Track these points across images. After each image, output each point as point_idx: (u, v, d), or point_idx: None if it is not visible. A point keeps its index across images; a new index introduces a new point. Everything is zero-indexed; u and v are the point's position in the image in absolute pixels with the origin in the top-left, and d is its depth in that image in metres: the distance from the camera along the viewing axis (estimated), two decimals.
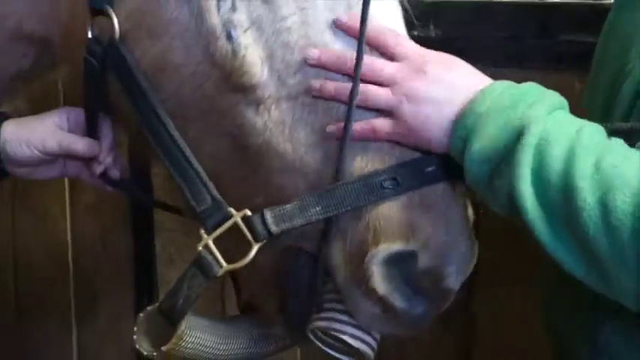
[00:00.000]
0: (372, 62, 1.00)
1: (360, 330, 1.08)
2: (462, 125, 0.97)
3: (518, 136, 0.93)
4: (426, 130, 1.00)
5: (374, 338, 1.10)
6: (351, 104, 0.98)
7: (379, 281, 1.00)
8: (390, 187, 0.99)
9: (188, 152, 1.05)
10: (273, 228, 0.99)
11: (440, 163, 1.01)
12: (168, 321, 1.07)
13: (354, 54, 0.99)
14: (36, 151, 1.14)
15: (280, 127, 1.02)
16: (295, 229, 0.99)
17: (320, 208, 0.98)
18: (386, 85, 1.01)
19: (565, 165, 0.91)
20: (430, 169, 1.01)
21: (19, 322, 2.13)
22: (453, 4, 1.62)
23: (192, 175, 1.05)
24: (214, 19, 1.00)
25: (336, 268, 1.04)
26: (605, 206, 0.88)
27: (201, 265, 1.04)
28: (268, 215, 0.99)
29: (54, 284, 2.01)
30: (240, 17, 1.00)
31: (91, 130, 1.13)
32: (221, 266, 1.02)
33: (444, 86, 0.99)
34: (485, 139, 0.95)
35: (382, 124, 1.01)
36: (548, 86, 1.54)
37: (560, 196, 0.91)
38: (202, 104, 1.04)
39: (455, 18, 1.55)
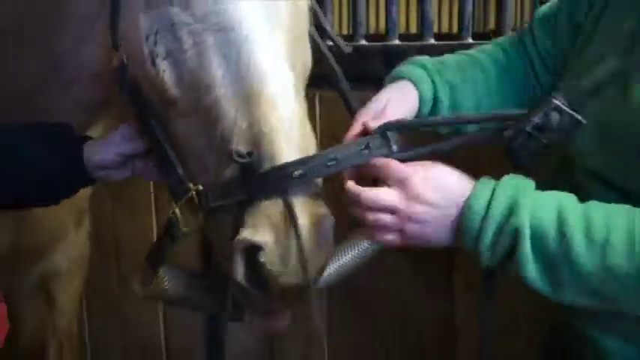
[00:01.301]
0: (375, 194, 1.10)
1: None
2: (465, 236, 1.06)
3: (514, 239, 1.04)
4: (430, 242, 1.10)
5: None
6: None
7: (237, 266, 1.09)
8: (298, 176, 1.07)
9: (165, 142, 1.18)
10: (211, 204, 1.11)
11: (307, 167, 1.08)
12: (152, 269, 1.23)
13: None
14: (112, 155, 1.27)
15: (190, 136, 1.15)
16: (228, 204, 1.10)
17: (239, 192, 1.08)
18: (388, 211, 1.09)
19: (563, 252, 1.02)
20: (331, 163, 1.10)
21: (119, 303, 2.37)
22: (437, 47, 1.96)
23: (167, 158, 1.18)
24: (145, 49, 1.14)
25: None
26: (608, 269, 1.00)
27: (169, 228, 1.18)
28: (210, 192, 1.12)
29: None
30: (160, 49, 1.13)
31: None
32: (181, 229, 1.16)
33: (438, 205, 1.07)
34: (488, 247, 1.05)
35: (391, 238, 1.11)
36: None
37: (567, 273, 1.02)
38: (161, 114, 1.18)
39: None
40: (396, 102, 1.29)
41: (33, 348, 1.92)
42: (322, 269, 1.15)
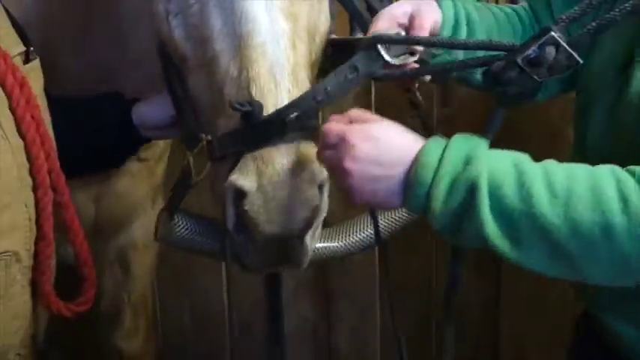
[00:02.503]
0: (327, 126, 1.04)
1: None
2: (415, 191, 0.97)
3: (470, 190, 0.94)
4: (374, 193, 1.00)
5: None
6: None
7: (228, 211, 1.11)
8: (295, 119, 1.07)
9: (181, 97, 1.21)
10: (216, 153, 1.12)
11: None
12: (169, 216, 1.25)
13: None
14: (168, 116, 1.31)
15: (199, 90, 1.18)
16: (230, 153, 1.11)
17: (239, 143, 1.10)
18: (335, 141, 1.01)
19: (522, 201, 0.93)
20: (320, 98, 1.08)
21: (185, 272, 2.40)
22: None
23: (182, 111, 1.23)
24: (160, 7, 1.18)
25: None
26: (572, 221, 0.92)
27: (183, 176, 1.20)
28: (215, 142, 1.13)
29: None
30: (173, 6, 1.16)
31: None
32: (192, 177, 1.17)
33: (379, 161, 0.98)
34: (441, 200, 0.96)
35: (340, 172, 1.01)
36: None
37: (529, 227, 0.93)
38: (180, 70, 1.21)
39: None
40: (425, 11, 1.22)
41: (110, 313, 2.01)
42: (309, 223, 1.11)
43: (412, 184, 0.97)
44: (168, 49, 1.21)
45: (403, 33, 1.20)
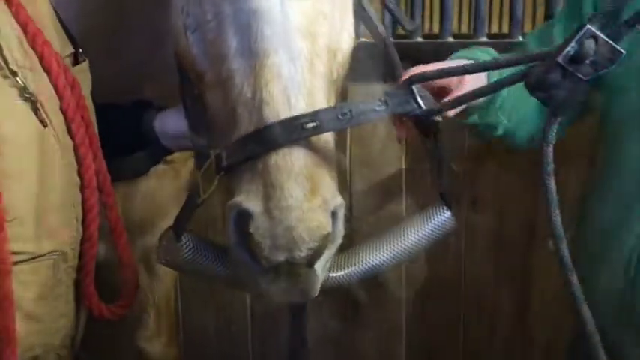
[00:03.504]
0: None
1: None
2: None
3: None
4: None
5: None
6: None
7: (230, 231, 1.07)
8: (311, 128, 1.03)
9: (193, 114, 1.20)
10: (224, 163, 1.07)
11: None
12: (176, 237, 1.18)
13: None
14: (186, 126, 1.30)
15: (213, 106, 1.15)
16: (239, 163, 1.05)
17: (251, 146, 1.04)
18: None
19: None
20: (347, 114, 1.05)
21: None
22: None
23: (198, 127, 1.22)
24: (179, 22, 1.16)
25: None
26: None
27: (191, 195, 1.14)
28: (223, 153, 1.08)
29: None
30: (191, 21, 1.14)
31: None
32: (200, 196, 1.11)
33: None
34: None
35: None
36: None
37: None
38: (197, 87, 1.18)
39: None
40: (475, 76, 1.23)
41: (134, 313, 1.99)
42: (318, 251, 1.05)
43: None
44: (185, 64, 1.18)
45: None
